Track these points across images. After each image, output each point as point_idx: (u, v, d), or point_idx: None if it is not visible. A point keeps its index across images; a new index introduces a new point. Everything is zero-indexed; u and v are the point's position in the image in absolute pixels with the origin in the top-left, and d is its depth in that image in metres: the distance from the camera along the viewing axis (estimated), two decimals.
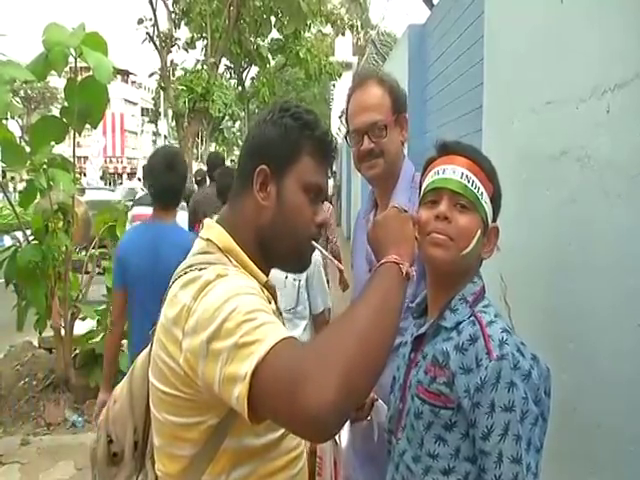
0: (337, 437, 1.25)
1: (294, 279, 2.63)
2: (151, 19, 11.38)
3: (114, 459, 1.20)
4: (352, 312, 0.90)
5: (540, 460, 1.04)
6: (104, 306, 4.37)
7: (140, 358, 1.20)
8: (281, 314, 1.15)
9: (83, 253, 4.60)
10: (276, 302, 1.12)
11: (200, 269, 0.98)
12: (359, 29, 19.19)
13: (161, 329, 0.99)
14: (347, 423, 1.32)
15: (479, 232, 1.13)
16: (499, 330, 1.07)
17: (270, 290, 1.09)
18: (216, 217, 1.15)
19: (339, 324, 0.88)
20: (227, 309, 0.88)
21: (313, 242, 1.11)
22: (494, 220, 1.19)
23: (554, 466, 1.51)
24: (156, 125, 33.97)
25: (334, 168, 19.00)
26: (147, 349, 1.15)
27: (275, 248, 1.09)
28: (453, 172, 1.15)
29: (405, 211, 1.16)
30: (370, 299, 0.92)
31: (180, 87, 10.71)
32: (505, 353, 1.03)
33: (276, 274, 1.17)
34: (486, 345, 1.05)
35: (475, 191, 1.13)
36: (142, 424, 1.16)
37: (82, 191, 9.65)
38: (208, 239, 1.08)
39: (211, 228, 1.10)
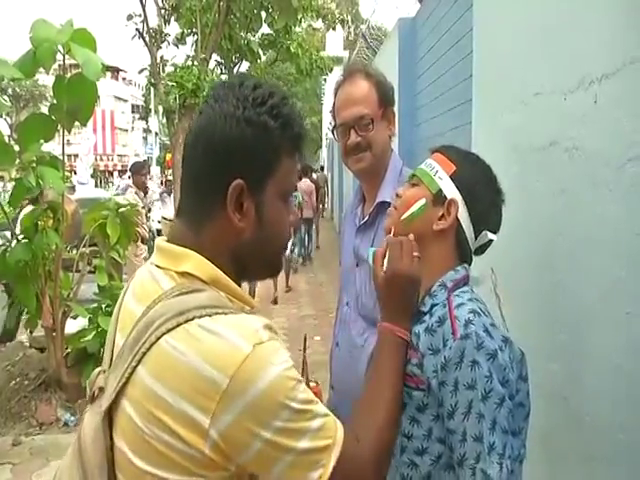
0: None
1: None
2: (140, 15, 11.27)
3: None
4: (380, 398, 1.02)
5: (511, 443, 1.02)
6: (95, 305, 4.35)
7: (89, 432, 0.88)
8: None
9: (74, 251, 4.58)
10: None
11: (201, 316, 0.81)
12: (349, 23, 19.14)
13: (152, 400, 0.80)
14: None
15: (422, 200, 1.19)
16: (467, 311, 1.09)
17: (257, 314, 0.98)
18: (163, 238, 0.94)
19: (374, 412, 0.99)
20: (289, 406, 0.80)
21: None
22: (477, 202, 1.19)
23: (544, 455, 1.52)
24: (147, 122, 33.76)
25: (322, 163, 19.00)
26: (95, 418, 0.88)
27: (253, 265, 0.95)
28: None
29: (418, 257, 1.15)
30: (388, 380, 1.05)
31: (170, 83, 10.61)
32: (469, 332, 1.04)
33: None
34: (452, 325, 1.07)
35: (426, 169, 1.22)
36: None
37: (72, 189, 9.59)
38: (185, 272, 0.87)
39: (184, 257, 0.88)
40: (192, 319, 0.80)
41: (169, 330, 0.80)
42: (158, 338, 0.81)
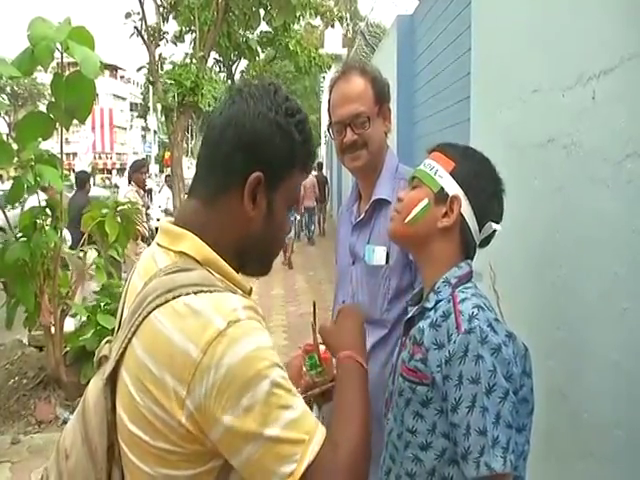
0: None
1: None
2: (139, 13, 11.24)
3: None
4: (355, 412, 0.95)
5: (515, 438, 1.02)
6: (95, 302, 4.35)
7: (92, 396, 0.95)
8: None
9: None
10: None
11: (187, 294, 0.85)
12: (348, 21, 19.12)
13: (142, 371, 0.85)
14: (315, 409, 1.33)
15: (425, 201, 1.20)
16: (471, 306, 1.09)
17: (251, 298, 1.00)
18: (169, 219, 0.99)
19: (352, 423, 0.93)
20: (259, 385, 0.81)
21: None
22: (478, 195, 1.19)
23: (543, 451, 1.52)
24: (145, 120, 33.75)
25: (321, 159, 19.07)
26: (98, 383, 0.95)
27: (252, 259, 1.00)
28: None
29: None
30: (358, 403, 0.98)
31: (169, 81, 10.59)
32: (473, 327, 1.05)
33: None
34: (456, 320, 1.08)
35: (425, 169, 1.23)
36: (106, 477, 0.93)
37: (70, 187, 9.56)
38: (181, 252, 0.92)
39: (182, 238, 0.93)
40: (179, 296, 0.85)
41: (158, 306, 0.85)
42: (149, 313, 0.86)
